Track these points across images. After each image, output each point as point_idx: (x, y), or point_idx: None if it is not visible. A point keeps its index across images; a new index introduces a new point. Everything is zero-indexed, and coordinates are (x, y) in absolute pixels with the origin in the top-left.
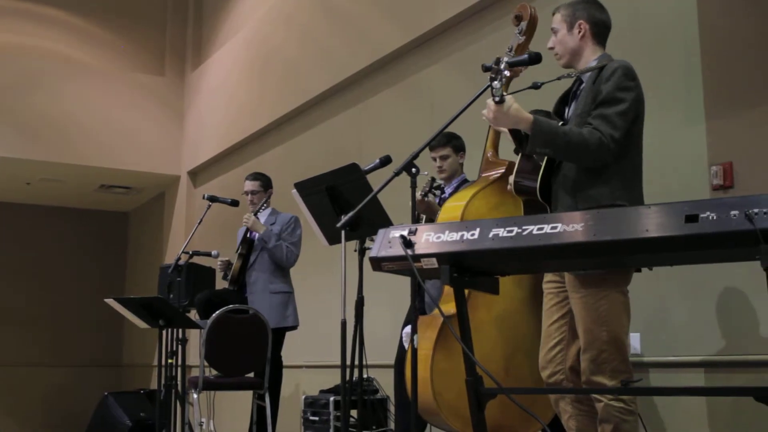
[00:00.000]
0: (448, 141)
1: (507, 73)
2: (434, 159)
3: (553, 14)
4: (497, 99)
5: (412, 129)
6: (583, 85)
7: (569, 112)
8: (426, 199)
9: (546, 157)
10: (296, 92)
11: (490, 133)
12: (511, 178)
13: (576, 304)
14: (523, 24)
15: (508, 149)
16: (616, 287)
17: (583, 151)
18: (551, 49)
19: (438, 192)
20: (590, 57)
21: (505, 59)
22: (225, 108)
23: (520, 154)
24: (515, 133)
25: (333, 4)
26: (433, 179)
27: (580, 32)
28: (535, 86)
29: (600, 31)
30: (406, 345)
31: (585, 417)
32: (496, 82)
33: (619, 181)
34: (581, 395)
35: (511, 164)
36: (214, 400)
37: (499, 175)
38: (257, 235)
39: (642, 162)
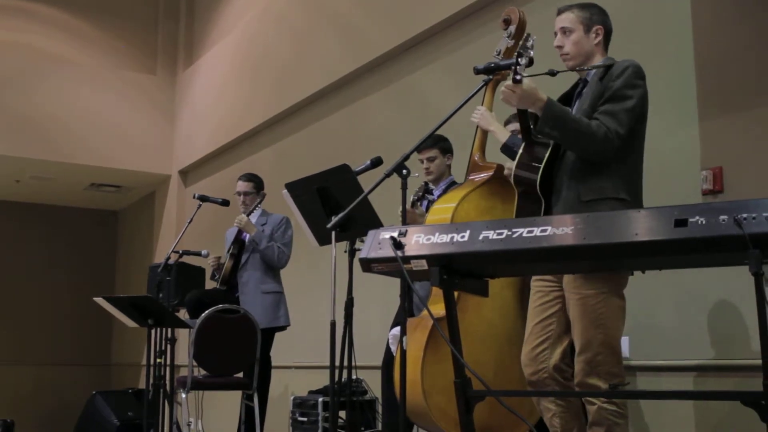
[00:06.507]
0: (435, 143)
1: (532, 53)
2: (421, 161)
3: (561, 13)
4: (518, 78)
5: (403, 131)
6: (588, 84)
7: (574, 111)
8: (416, 210)
9: (549, 151)
10: (288, 93)
11: (477, 136)
12: (512, 168)
13: (575, 305)
14: (512, 27)
15: (495, 152)
16: (615, 290)
17: (589, 142)
18: (559, 47)
19: (429, 196)
20: (597, 62)
21: (533, 38)
22: (216, 107)
23: (523, 145)
24: (523, 121)
25: (325, 5)
26: (427, 184)
27: (596, 37)
28: (551, 73)
29: (608, 39)
30: (393, 347)
31: (568, 414)
32: (522, 59)
33: (621, 177)
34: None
35: (499, 167)
36: (202, 400)
37: (487, 177)
38: (248, 236)
39: (643, 161)
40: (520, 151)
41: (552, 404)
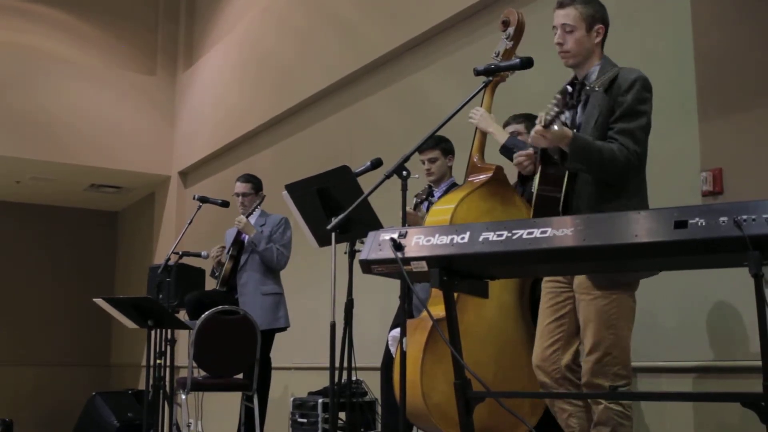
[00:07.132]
0: (437, 144)
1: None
2: (423, 162)
3: (563, 6)
4: (553, 125)
5: (403, 132)
6: (589, 88)
7: (577, 118)
8: (418, 213)
9: (567, 171)
10: (288, 94)
11: (476, 137)
12: (535, 189)
13: (586, 306)
14: (511, 29)
15: (494, 153)
16: (627, 291)
17: (614, 167)
18: (559, 44)
19: (431, 198)
20: (595, 61)
21: (564, 94)
22: (216, 108)
23: (540, 167)
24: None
25: (326, 5)
26: (430, 187)
27: (597, 36)
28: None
29: (606, 37)
30: (393, 348)
31: (585, 413)
32: (557, 109)
33: (636, 195)
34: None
35: (498, 168)
36: (202, 401)
37: (486, 178)
38: (247, 237)
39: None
40: (539, 173)
41: (568, 404)
